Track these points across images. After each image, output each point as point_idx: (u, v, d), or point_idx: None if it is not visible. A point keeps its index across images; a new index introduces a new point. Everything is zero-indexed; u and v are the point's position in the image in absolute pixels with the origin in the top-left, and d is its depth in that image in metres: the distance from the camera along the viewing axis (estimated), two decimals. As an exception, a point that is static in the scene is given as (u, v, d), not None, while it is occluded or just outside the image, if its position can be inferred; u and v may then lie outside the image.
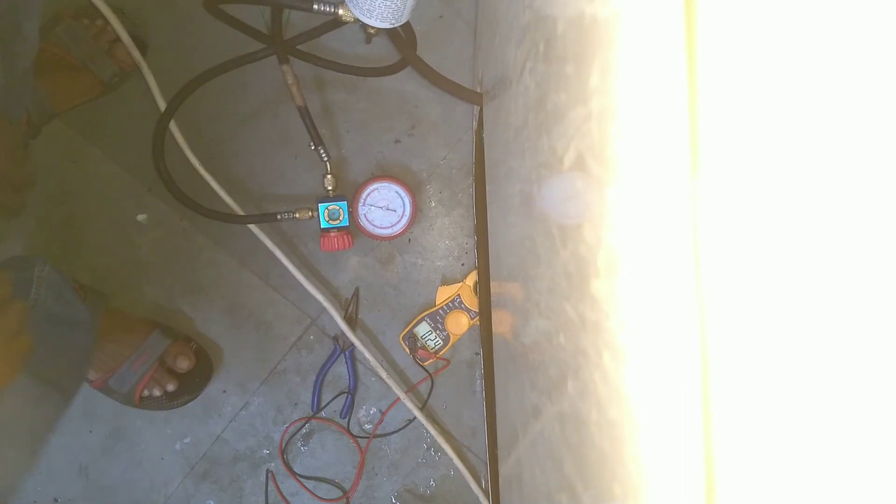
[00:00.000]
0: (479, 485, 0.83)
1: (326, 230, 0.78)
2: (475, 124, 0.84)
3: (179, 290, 0.84)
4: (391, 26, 0.62)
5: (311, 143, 0.74)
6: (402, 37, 0.75)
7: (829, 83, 0.16)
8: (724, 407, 0.20)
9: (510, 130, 0.55)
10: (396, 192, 0.80)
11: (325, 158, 0.76)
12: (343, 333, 0.82)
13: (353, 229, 0.80)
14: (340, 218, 0.77)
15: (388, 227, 0.81)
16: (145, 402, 0.80)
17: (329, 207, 0.77)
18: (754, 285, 0.19)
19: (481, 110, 0.77)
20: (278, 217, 0.76)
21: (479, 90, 0.78)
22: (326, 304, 0.81)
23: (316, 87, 0.84)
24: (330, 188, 0.78)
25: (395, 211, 0.81)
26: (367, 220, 0.80)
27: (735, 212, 0.19)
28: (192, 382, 0.81)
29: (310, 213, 0.77)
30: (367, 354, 0.81)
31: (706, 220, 0.20)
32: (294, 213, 0.76)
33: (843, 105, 0.16)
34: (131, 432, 0.83)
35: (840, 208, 0.16)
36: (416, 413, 0.81)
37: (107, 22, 0.76)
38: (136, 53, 0.77)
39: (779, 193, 0.18)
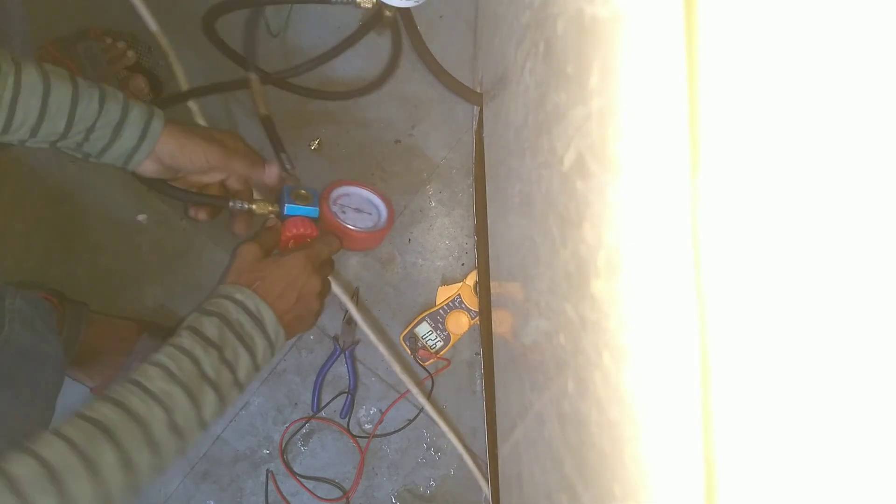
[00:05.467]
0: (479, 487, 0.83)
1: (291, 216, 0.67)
2: (475, 124, 0.84)
3: (179, 290, 0.84)
4: (414, 4, 0.64)
5: (276, 152, 0.69)
6: (408, 24, 0.74)
7: (828, 83, 0.16)
8: (724, 407, 0.20)
9: (510, 130, 0.55)
10: (367, 198, 0.77)
11: (289, 167, 0.69)
12: (342, 333, 0.82)
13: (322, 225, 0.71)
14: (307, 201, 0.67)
15: (364, 229, 0.73)
16: None
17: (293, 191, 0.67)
18: (754, 285, 0.19)
19: (481, 110, 0.77)
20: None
21: (479, 90, 0.78)
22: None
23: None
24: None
25: (369, 214, 0.76)
26: (342, 218, 0.73)
27: (735, 211, 0.19)
28: None
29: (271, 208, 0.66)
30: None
31: (706, 219, 0.20)
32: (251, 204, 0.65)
33: (842, 104, 0.16)
34: (131, 432, 0.83)
35: (839, 207, 0.16)
36: (424, 402, 0.80)
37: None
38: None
39: (778, 193, 0.18)
